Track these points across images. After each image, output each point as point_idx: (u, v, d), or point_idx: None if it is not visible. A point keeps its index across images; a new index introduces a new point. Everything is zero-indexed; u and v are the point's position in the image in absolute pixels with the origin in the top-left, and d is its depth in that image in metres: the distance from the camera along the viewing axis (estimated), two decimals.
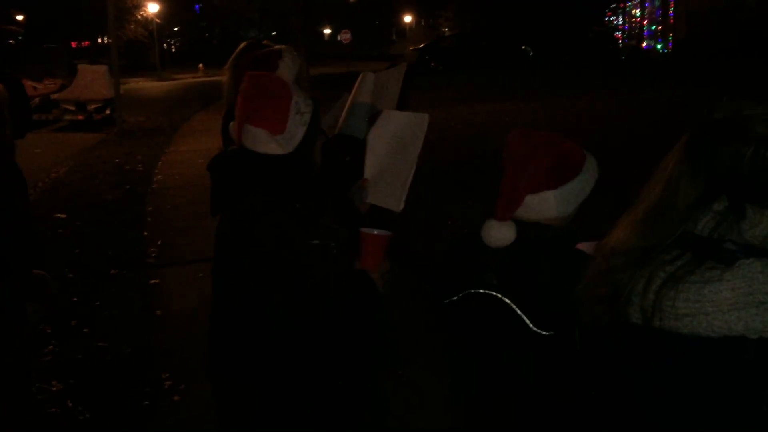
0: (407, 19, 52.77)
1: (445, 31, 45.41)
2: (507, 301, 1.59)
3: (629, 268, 1.13)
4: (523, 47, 29.42)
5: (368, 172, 2.41)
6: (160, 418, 3.72)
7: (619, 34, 33.65)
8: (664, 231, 1.10)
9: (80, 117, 16.09)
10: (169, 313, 5.12)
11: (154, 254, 6.55)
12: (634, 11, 31.93)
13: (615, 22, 37.98)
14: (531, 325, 1.55)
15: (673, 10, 25.36)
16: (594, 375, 1.24)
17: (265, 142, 1.98)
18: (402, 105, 2.80)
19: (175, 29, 53.56)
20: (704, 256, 1.06)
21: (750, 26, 20.28)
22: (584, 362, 1.28)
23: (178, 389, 3.96)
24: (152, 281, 5.82)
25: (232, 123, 2.66)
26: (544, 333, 1.54)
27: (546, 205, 1.66)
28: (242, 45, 3.47)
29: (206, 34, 52.95)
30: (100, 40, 45.88)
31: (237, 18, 46.13)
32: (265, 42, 3.74)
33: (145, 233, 7.25)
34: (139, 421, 3.70)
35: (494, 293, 1.62)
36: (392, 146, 2.38)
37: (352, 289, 2.05)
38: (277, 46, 3.01)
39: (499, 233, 1.66)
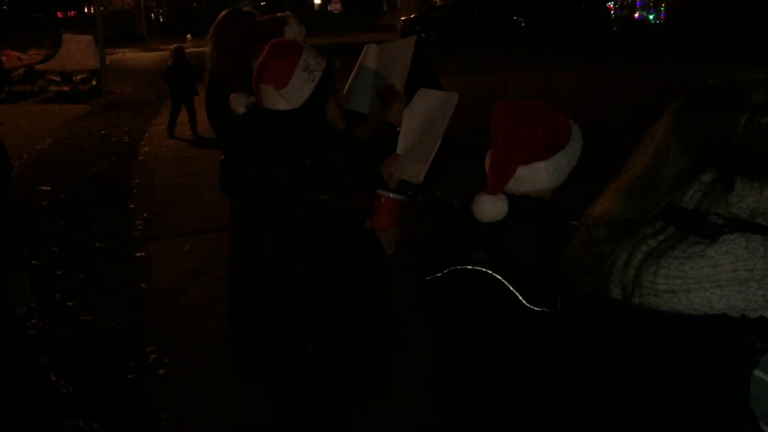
0: None
1: (436, 1, 44.91)
2: (498, 277, 1.55)
3: (612, 240, 1.08)
4: (515, 17, 29.11)
5: (401, 148, 2.45)
6: (145, 391, 3.69)
7: (611, 4, 33.31)
8: (649, 202, 1.06)
9: (65, 88, 15.86)
10: (155, 286, 5.07)
11: (140, 227, 6.48)
12: None
13: None
14: (524, 301, 1.51)
15: None
16: (573, 347, 1.20)
17: (273, 98, 2.08)
18: (414, 81, 2.72)
19: None
20: (688, 230, 1.02)
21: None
22: (565, 333, 1.23)
23: (163, 363, 3.93)
24: (138, 254, 5.76)
25: (233, 94, 2.61)
26: (537, 309, 1.50)
27: (538, 176, 1.64)
28: (222, 14, 3.37)
29: (194, 4, 52.14)
30: (86, 10, 45.12)
31: None
32: (246, 10, 3.64)
33: (131, 206, 7.17)
34: (124, 395, 3.67)
35: (484, 269, 1.58)
36: (423, 123, 2.43)
37: (358, 247, 2.11)
38: (279, 14, 2.93)
39: (493, 207, 1.62)
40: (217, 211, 5.47)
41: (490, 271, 1.56)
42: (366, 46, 2.81)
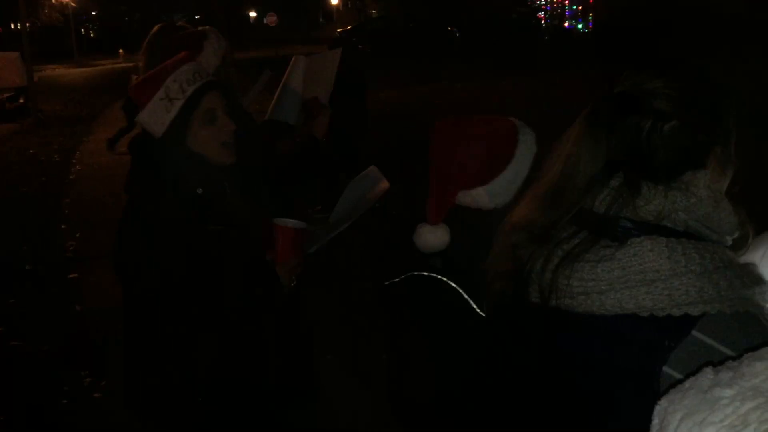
0: (334, 1, 52.29)
1: (372, 13, 45.22)
2: (452, 284, 1.53)
3: (529, 245, 1.12)
4: (450, 28, 29.56)
5: (333, 216, 2.39)
6: (79, 416, 3.58)
7: (541, 14, 34.18)
8: (563, 207, 1.09)
9: None
10: (89, 308, 4.93)
11: (72, 248, 6.30)
12: None
13: (538, 3, 38.60)
14: (477, 309, 1.49)
15: None
16: (500, 350, 1.23)
17: (144, 122, 1.95)
18: (343, 92, 2.71)
19: (93, 13, 51.51)
20: (599, 234, 1.05)
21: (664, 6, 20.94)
22: (492, 337, 1.26)
23: (99, 386, 3.83)
24: (71, 275, 5.59)
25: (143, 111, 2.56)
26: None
27: (480, 200, 1.61)
28: (156, 28, 3.33)
29: (126, 18, 51.09)
30: (12, 26, 43.72)
31: (158, 1, 44.77)
32: (180, 24, 3.61)
33: (63, 226, 6.97)
34: (59, 421, 3.56)
35: (438, 276, 1.56)
36: (356, 200, 2.37)
37: (252, 281, 1.98)
38: (200, 28, 2.90)
39: (433, 238, 1.59)
40: None
41: (444, 278, 1.54)
42: (294, 57, 2.81)
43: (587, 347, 1.05)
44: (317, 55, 2.79)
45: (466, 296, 1.51)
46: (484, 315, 1.47)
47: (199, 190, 1.91)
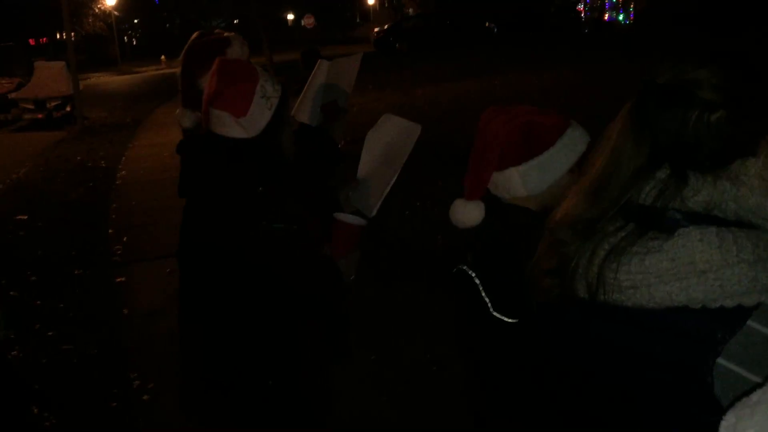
0: (370, 1, 52.39)
1: (409, 12, 45.17)
2: (476, 281, 1.52)
3: (575, 241, 1.09)
4: (487, 24, 29.38)
5: (361, 171, 2.40)
6: (129, 418, 3.65)
7: (580, 6, 33.71)
8: (607, 201, 1.06)
9: (40, 116, 15.75)
10: (136, 311, 5.03)
11: (119, 252, 6.43)
12: None
13: None
14: (491, 309, 1.49)
15: None
16: (547, 349, 1.20)
17: (228, 126, 1.95)
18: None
19: (135, 21, 52.61)
20: (647, 226, 1.02)
21: None
22: (539, 337, 1.23)
23: (147, 388, 3.89)
24: (118, 279, 5.71)
25: (179, 109, 2.63)
26: (506, 319, 1.47)
27: (512, 183, 1.60)
28: (194, 35, 3.38)
29: (167, 25, 52.05)
30: (58, 36, 44.92)
31: (197, 7, 45.49)
32: (217, 31, 3.65)
33: (110, 231, 7.12)
34: (109, 423, 3.63)
35: (469, 271, 1.55)
36: (384, 151, 2.37)
37: (315, 275, 2.01)
38: (225, 34, 2.95)
39: (465, 213, 1.61)
40: None
41: (472, 273, 1.54)
42: (318, 61, 2.84)
43: (639, 342, 1.02)
44: (339, 60, 2.81)
45: (483, 294, 1.50)
46: (499, 316, 1.47)
47: (261, 189, 1.95)
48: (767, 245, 0.97)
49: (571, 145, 1.61)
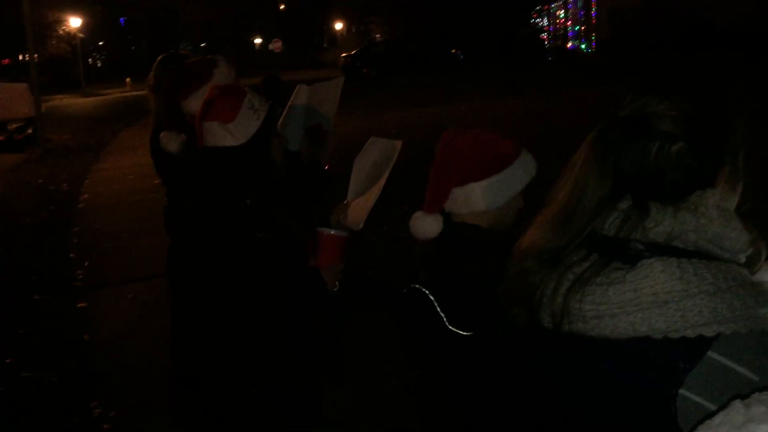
0: (338, 26, 52.79)
1: (376, 37, 45.60)
2: (431, 297, 1.58)
3: (541, 270, 1.11)
4: (454, 50, 29.77)
5: (351, 195, 2.47)
6: None
7: (544, 35, 34.42)
8: (572, 231, 1.08)
9: (1, 138, 15.45)
10: (99, 337, 4.93)
11: (81, 277, 6.30)
12: (558, 12, 32.73)
13: (540, 24, 38.90)
14: (448, 324, 1.55)
15: (595, 11, 26.10)
16: (514, 376, 1.21)
17: (218, 135, 2.05)
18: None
19: (100, 43, 52.18)
20: (610, 256, 1.05)
21: (666, 24, 21.14)
22: (505, 363, 1.25)
23: (109, 417, 3.80)
24: (80, 305, 5.59)
25: (163, 133, 2.64)
26: (462, 333, 1.53)
27: (472, 197, 1.67)
28: (160, 58, 3.36)
29: (133, 47, 51.70)
30: (21, 57, 44.31)
31: (164, 30, 45.33)
32: (183, 52, 3.65)
33: (72, 255, 6.98)
34: None
35: (423, 289, 1.61)
36: (370, 170, 2.46)
37: (301, 285, 2.09)
38: (209, 56, 2.96)
39: (424, 225, 1.68)
40: (161, 256, 5.36)
41: (425, 291, 1.60)
42: (297, 86, 2.86)
43: (602, 371, 1.03)
44: (319, 84, 2.84)
45: (439, 310, 1.56)
46: (455, 330, 1.53)
47: (248, 200, 2.04)
48: (726, 276, 0.99)
49: (526, 166, 1.72)
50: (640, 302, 0.99)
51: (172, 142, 2.67)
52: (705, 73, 12.05)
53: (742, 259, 1.05)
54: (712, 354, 0.96)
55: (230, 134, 2.04)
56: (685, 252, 1.02)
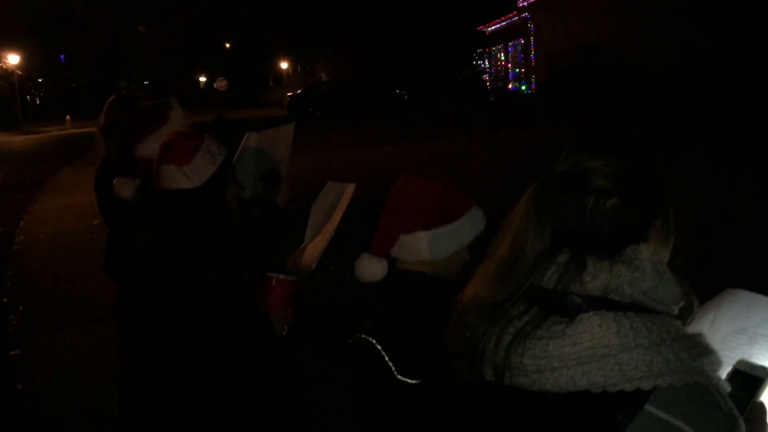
0: (284, 65, 53.03)
1: (322, 77, 45.96)
2: (378, 347, 1.59)
3: (482, 324, 1.12)
4: (398, 91, 30.22)
5: (308, 239, 2.49)
6: None
7: (486, 77, 35.27)
8: (512, 284, 1.11)
9: None
10: (33, 386, 4.72)
11: (14, 322, 6.05)
12: (499, 55, 33.63)
13: (482, 66, 39.87)
14: (396, 373, 1.55)
15: (534, 54, 26.95)
16: (460, 428, 1.22)
17: (174, 177, 2.08)
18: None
19: (39, 80, 51.05)
20: (550, 309, 1.07)
21: (600, 68, 22.00)
22: (449, 416, 1.26)
23: None
24: (13, 352, 5.36)
25: (117, 179, 2.61)
26: (410, 381, 1.54)
27: (418, 246, 1.68)
28: (111, 99, 3.32)
29: (73, 85, 50.73)
30: None
31: (106, 67, 44.72)
32: (137, 93, 3.61)
33: (4, 300, 6.71)
34: None
35: (369, 338, 1.61)
36: (325, 213, 2.49)
37: (249, 328, 2.09)
38: (164, 99, 2.93)
39: (370, 267, 1.69)
40: (99, 300, 5.21)
41: (372, 341, 1.60)
42: (246, 133, 2.87)
43: (544, 426, 1.05)
44: (271, 130, 2.86)
45: (387, 359, 1.57)
46: (403, 379, 1.54)
47: (199, 243, 2.06)
48: (661, 329, 1.02)
49: (475, 221, 1.75)
50: (579, 356, 1.01)
51: (126, 188, 2.64)
52: (637, 132, 12.58)
53: (675, 311, 1.09)
54: (649, 407, 0.98)
55: (186, 177, 2.08)
56: (621, 305, 1.05)
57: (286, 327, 2.24)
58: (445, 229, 1.69)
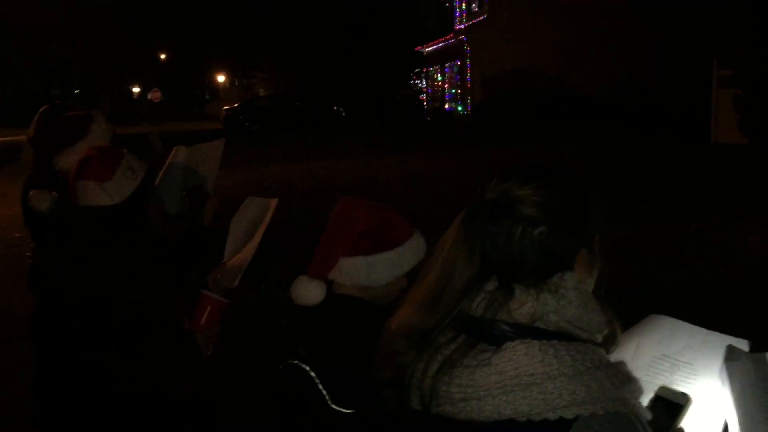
0: (221, 78, 52.40)
1: (259, 91, 45.64)
2: (312, 374, 1.55)
3: (410, 351, 1.11)
4: (336, 108, 30.28)
5: (228, 256, 2.45)
6: None
7: (423, 96, 35.71)
8: (441, 312, 1.10)
9: None
10: None
11: None
12: (436, 76, 34.11)
13: (420, 86, 40.36)
14: (329, 402, 1.52)
15: (470, 76, 27.42)
16: None
17: (94, 194, 2.02)
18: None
19: None
20: (477, 337, 1.06)
21: (531, 91, 22.69)
22: None
23: None
24: None
25: (33, 191, 2.51)
26: (344, 411, 1.51)
27: (358, 270, 1.66)
28: (42, 109, 3.22)
29: (0, 93, 48.85)
30: None
31: (35, 75, 43.26)
32: (70, 104, 3.49)
33: None
34: None
35: (302, 365, 1.57)
36: (246, 229, 2.46)
37: (172, 348, 2.06)
38: (86, 111, 2.85)
39: (308, 291, 1.65)
40: (21, 317, 4.96)
41: (306, 367, 1.56)
42: (174, 148, 2.81)
43: None
44: (199, 146, 2.80)
45: (320, 387, 1.54)
46: (337, 408, 1.51)
47: (122, 261, 2.01)
48: (584, 358, 1.03)
49: (415, 249, 1.73)
50: (504, 385, 1.00)
51: (42, 201, 2.55)
52: (566, 157, 12.96)
53: (599, 339, 1.10)
54: None
55: (106, 193, 2.03)
56: (547, 333, 1.05)
57: (211, 346, 2.20)
58: (386, 255, 1.68)
